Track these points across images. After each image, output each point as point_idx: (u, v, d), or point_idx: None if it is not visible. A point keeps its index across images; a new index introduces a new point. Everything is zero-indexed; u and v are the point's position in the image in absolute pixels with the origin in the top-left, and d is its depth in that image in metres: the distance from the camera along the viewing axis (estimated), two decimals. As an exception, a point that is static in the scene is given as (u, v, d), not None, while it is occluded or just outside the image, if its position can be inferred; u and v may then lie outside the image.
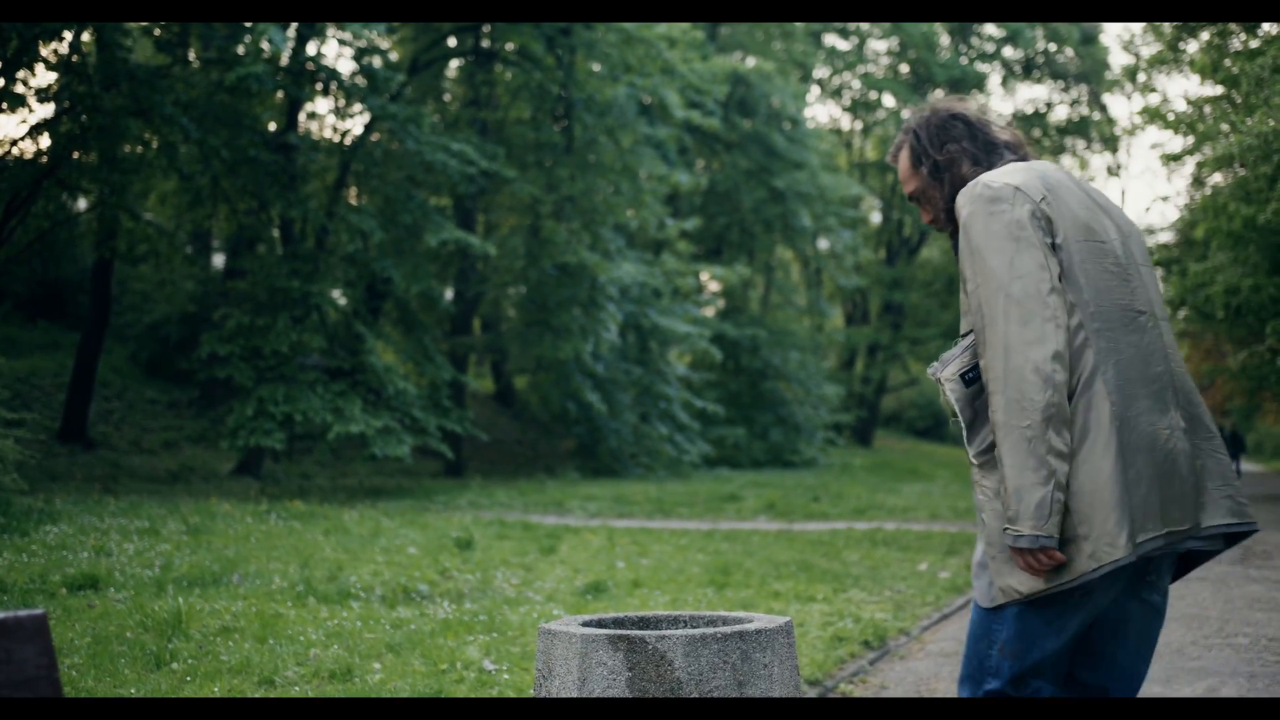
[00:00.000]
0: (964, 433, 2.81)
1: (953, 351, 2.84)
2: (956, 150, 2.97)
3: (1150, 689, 5.74)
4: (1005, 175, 2.81)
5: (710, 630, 2.60)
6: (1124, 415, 2.70)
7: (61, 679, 5.12)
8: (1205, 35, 19.42)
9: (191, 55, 20.00)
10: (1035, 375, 2.62)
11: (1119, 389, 2.71)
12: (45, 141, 17.65)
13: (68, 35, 16.73)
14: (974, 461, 2.79)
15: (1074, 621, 2.75)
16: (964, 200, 2.80)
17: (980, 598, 2.76)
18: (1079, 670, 2.89)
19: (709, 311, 34.01)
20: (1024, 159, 2.98)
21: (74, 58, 17.13)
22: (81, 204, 21.20)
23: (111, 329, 22.68)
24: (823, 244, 37.79)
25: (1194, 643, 7.07)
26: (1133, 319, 2.79)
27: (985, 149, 2.98)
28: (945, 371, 2.82)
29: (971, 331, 2.80)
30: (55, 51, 16.91)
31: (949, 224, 3.01)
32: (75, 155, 17.73)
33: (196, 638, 6.21)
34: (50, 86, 16.93)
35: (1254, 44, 17.27)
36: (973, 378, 2.78)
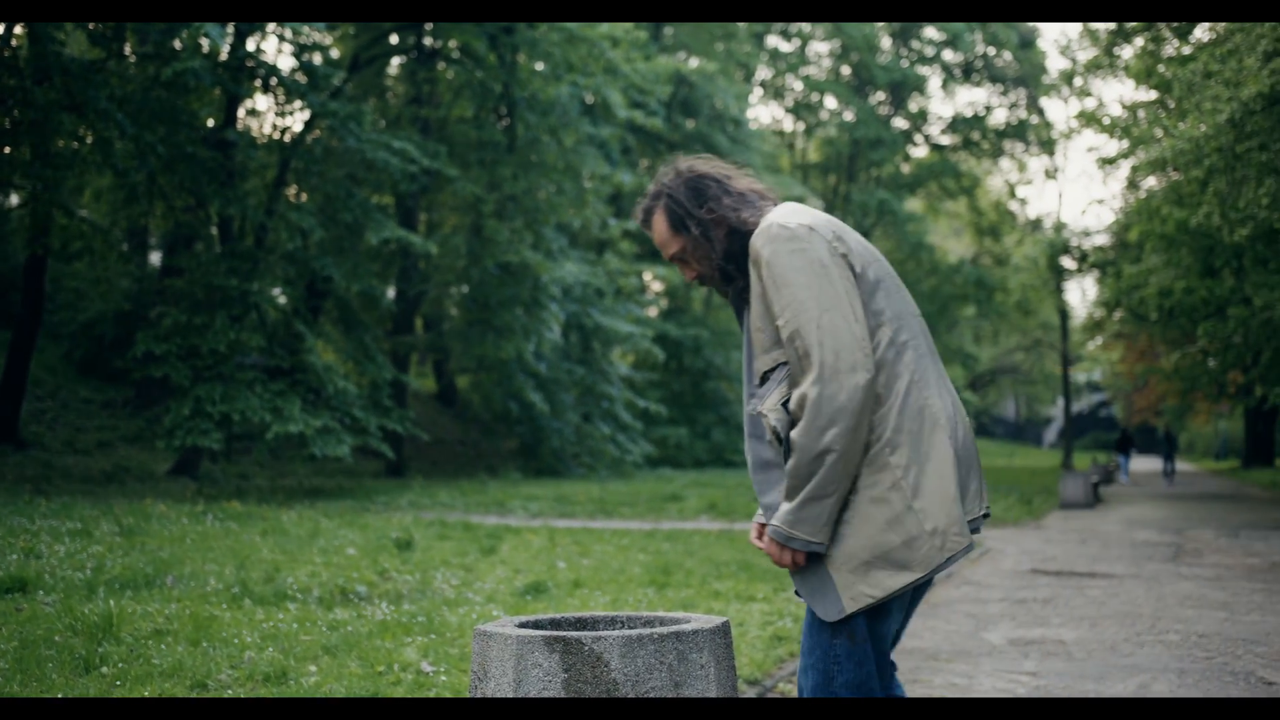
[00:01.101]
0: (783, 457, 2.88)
1: (767, 387, 2.91)
2: (719, 207, 3.04)
3: (1084, 686, 5.81)
4: (794, 216, 2.92)
5: (646, 631, 2.59)
6: (942, 410, 2.88)
7: (-13, 684, 5.01)
8: (1139, 41, 19.75)
9: (127, 50, 19.68)
10: (849, 402, 2.72)
11: (933, 387, 2.88)
12: (-25, 136, 17.31)
13: (-1, 27, 16.43)
14: None
15: (898, 615, 2.93)
16: (762, 242, 2.88)
17: (827, 614, 2.84)
18: None
19: (651, 311, 34.07)
20: (775, 205, 3.06)
21: (4, 51, 16.80)
22: (14, 200, 20.81)
23: (45, 327, 22.28)
24: (765, 245, 37.94)
25: (1126, 640, 7.17)
26: (919, 324, 2.98)
27: (743, 201, 3.06)
28: (766, 404, 2.89)
29: (778, 367, 2.88)
30: (-15, 44, 16.59)
31: (722, 279, 3.07)
32: (6, 150, 17.39)
33: (128, 641, 6.11)
34: (-20, 80, 16.60)
35: (1186, 50, 17.58)
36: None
